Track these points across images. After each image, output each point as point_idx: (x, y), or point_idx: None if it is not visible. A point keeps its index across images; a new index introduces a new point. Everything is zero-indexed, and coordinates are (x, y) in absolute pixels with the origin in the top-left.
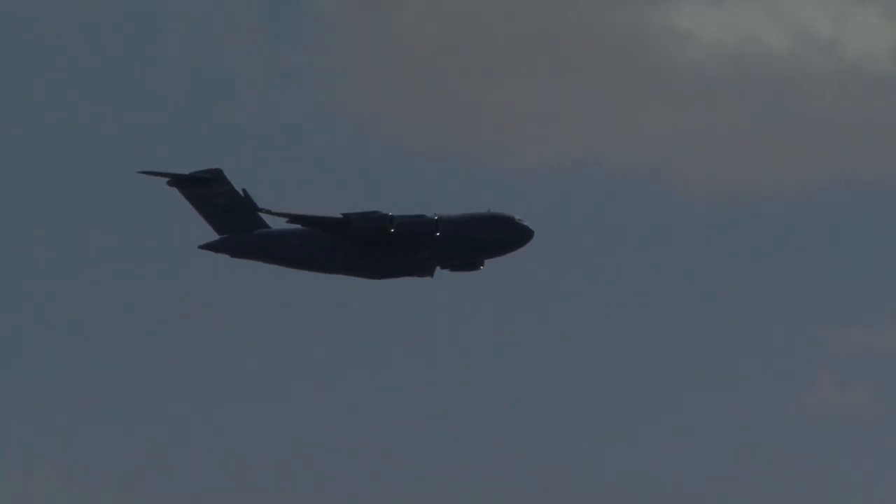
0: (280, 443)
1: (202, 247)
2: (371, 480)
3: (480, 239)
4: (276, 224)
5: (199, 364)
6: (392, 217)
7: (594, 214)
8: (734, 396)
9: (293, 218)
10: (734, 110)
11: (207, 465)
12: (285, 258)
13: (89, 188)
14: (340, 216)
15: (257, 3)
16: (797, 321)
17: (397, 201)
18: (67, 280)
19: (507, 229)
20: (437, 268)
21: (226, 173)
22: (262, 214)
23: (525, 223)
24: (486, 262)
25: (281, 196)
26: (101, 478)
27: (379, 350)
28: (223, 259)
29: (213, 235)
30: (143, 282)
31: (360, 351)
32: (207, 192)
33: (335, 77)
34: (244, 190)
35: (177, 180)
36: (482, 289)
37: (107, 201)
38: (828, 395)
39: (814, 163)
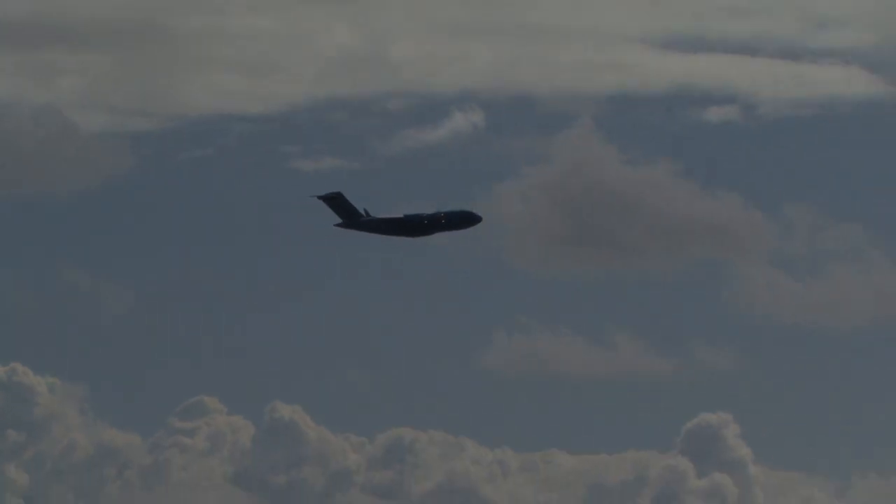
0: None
1: (336, 225)
2: None
3: (463, 221)
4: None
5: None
6: (437, 214)
7: None
8: None
9: (388, 220)
10: None
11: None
12: (381, 231)
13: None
14: (403, 216)
15: None
16: None
17: None
18: (266, 243)
19: (473, 217)
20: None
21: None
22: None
23: (478, 213)
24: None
25: None
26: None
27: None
28: (347, 231)
29: (338, 220)
30: (308, 243)
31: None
32: (335, 202)
33: None
34: (365, 210)
35: (320, 197)
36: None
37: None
38: None
39: None
